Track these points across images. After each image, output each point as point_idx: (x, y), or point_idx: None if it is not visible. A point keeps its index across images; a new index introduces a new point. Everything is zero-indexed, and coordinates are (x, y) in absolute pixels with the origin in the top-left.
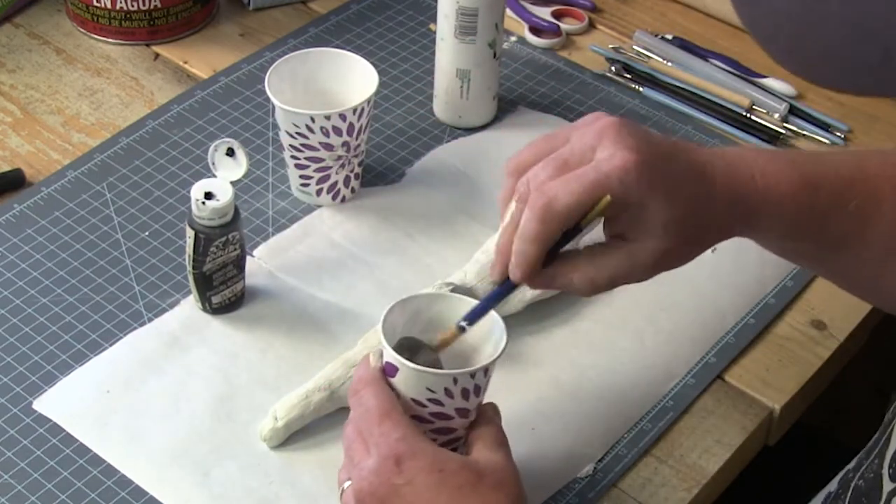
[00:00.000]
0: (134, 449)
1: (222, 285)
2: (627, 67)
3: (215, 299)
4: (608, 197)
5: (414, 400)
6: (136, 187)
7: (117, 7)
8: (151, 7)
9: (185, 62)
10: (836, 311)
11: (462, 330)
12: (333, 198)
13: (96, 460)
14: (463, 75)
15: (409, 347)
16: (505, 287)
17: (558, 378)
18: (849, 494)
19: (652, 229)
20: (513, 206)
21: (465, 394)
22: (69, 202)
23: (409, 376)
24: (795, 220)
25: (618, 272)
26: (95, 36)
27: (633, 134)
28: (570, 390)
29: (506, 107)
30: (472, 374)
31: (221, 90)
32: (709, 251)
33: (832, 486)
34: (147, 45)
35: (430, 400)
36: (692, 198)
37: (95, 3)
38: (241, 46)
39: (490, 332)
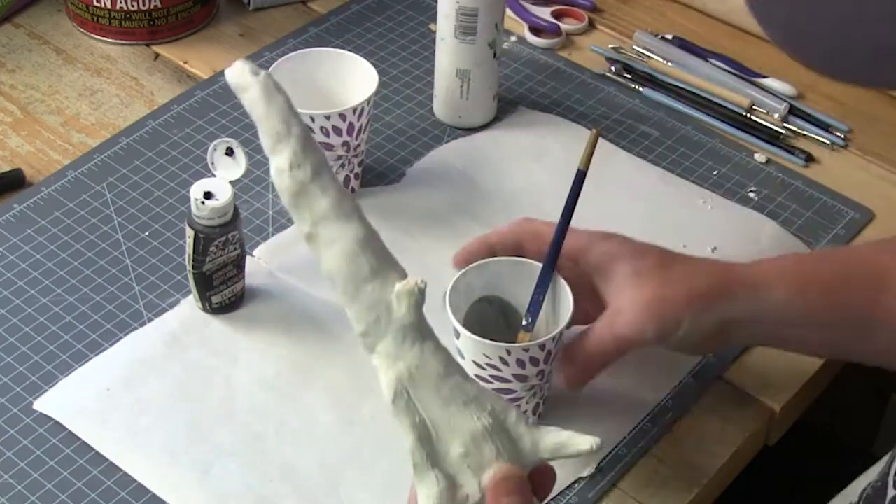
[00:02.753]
0: (134, 448)
1: (222, 285)
2: (627, 67)
3: (215, 299)
4: (594, 130)
5: (474, 362)
6: (136, 187)
7: (117, 7)
8: (151, 7)
9: (185, 62)
10: None
11: (527, 329)
12: None
13: (96, 460)
14: (463, 75)
15: (494, 303)
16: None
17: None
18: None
19: (619, 286)
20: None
21: (520, 363)
22: (69, 202)
23: (467, 342)
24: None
25: (614, 351)
26: (95, 36)
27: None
28: (570, 391)
29: (506, 107)
30: (526, 349)
31: (221, 90)
32: (708, 249)
33: (853, 496)
34: (147, 45)
35: (487, 364)
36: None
37: (95, 3)
38: (241, 46)
39: (567, 303)
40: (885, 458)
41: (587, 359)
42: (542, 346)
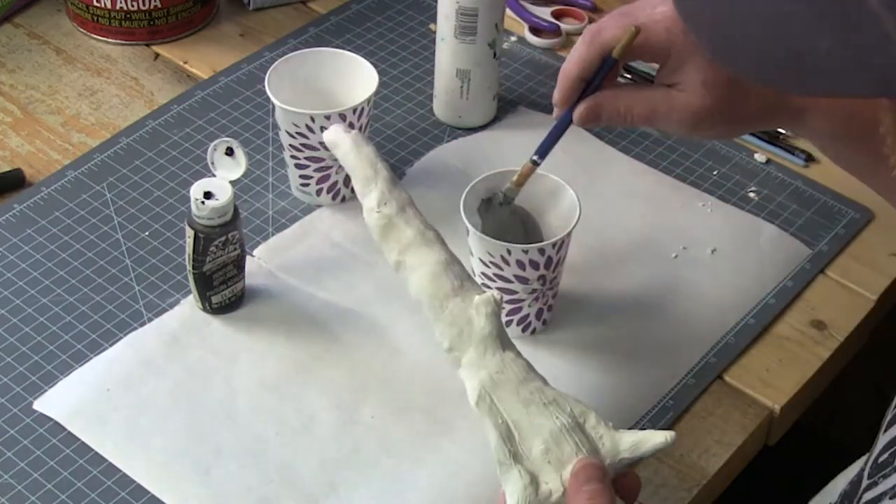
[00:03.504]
0: (134, 448)
1: (222, 285)
2: (627, 67)
3: (215, 299)
4: (634, 27)
5: (480, 259)
6: (136, 187)
7: (117, 7)
8: (151, 7)
9: (185, 62)
10: (836, 311)
11: (535, 164)
12: (333, 198)
13: (96, 460)
14: (463, 75)
15: (517, 213)
16: (564, 119)
17: (558, 378)
18: (837, 500)
19: (693, 84)
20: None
21: (520, 265)
22: (69, 202)
23: (474, 238)
24: (845, 125)
25: (658, 108)
26: (95, 36)
27: None
28: (571, 390)
29: (506, 107)
30: (525, 251)
31: (221, 90)
32: (708, 251)
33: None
34: (147, 45)
35: (491, 262)
36: None
37: (95, 3)
38: (241, 46)
39: (573, 209)
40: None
41: None
42: (541, 251)
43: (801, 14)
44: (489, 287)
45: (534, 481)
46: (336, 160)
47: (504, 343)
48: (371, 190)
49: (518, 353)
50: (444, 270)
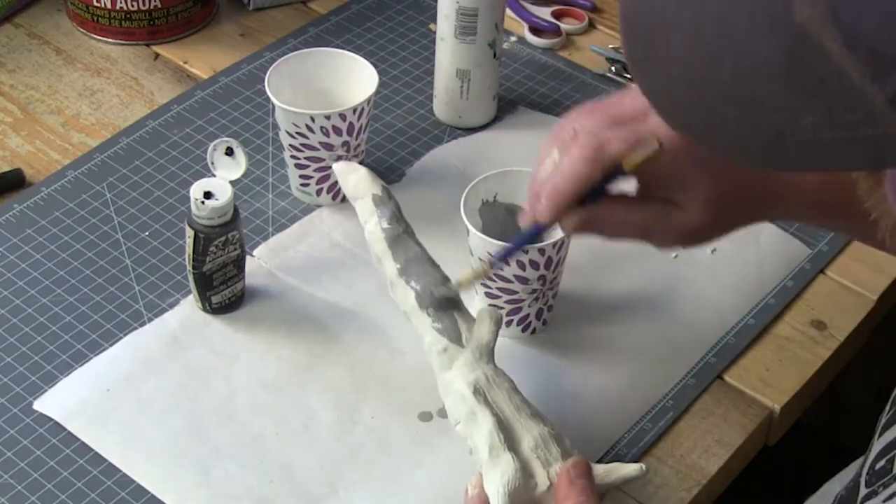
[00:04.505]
0: (134, 448)
1: (222, 285)
2: (627, 67)
3: (215, 299)
4: (657, 144)
5: (480, 259)
6: (136, 187)
7: (117, 7)
8: (151, 7)
9: (185, 62)
10: (836, 311)
11: (492, 267)
12: (333, 198)
13: (96, 460)
14: (463, 75)
15: (513, 212)
16: (535, 228)
17: (558, 378)
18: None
19: (695, 202)
20: (555, 153)
21: (520, 265)
22: (69, 202)
23: (474, 238)
24: (815, 211)
25: (654, 226)
26: (95, 36)
27: None
28: (571, 390)
29: (506, 107)
30: (526, 251)
31: (221, 90)
32: (708, 251)
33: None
34: (147, 45)
35: (491, 262)
36: (734, 180)
37: (95, 3)
38: (241, 46)
39: None
40: (860, 460)
41: None
42: (541, 251)
43: (778, 94)
44: (489, 287)
45: (524, 469)
46: (336, 160)
47: (494, 357)
48: (385, 210)
49: (504, 372)
50: (444, 282)
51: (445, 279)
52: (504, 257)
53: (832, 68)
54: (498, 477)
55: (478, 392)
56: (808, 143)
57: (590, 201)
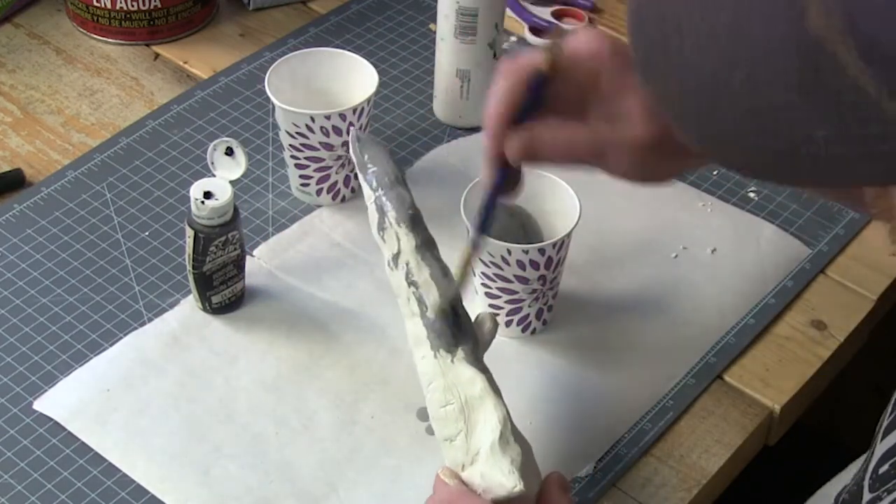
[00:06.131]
0: (134, 448)
1: (222, 285)
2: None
3: (215, 299)
4: (552, 40)
5: (480, 259)
6: (136, 187)
7: (117, 7)
8: (151, 7)
9: (185, 62)
10: (836, 311)
11: (476, 245)
12: (333, 198)
13: (96, 460)
14: (463, 75)
15: (516, 215)
16: (497, 176)
17: (558, 378)
18: None
19: (633, 112)
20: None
21: (520, 265)
22: (69, 202)
23: (474, 240)
24: None
25: (599, 143)
26: (95, 36)
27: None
28: (571, 390)
29: None
30: (526, 251)
31: (221, 90)
32: (708, 251)
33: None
34: (147, 45)
35: (491, 262)
36: None
37: (95, 3)
38: (241, 46)
39: (573, 209)
40: (860, 462)
41: None
42: (541, 251)
43: (792, 106)
44: (489, 287)
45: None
46: (336, 160)
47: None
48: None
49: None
50: (444, 275)
51: (446, 270)
52: (482, 222)
53: (847, 81)
54: (508, 463)
55: (483, 381)
56: (821, 156)
57: (527, 119)
